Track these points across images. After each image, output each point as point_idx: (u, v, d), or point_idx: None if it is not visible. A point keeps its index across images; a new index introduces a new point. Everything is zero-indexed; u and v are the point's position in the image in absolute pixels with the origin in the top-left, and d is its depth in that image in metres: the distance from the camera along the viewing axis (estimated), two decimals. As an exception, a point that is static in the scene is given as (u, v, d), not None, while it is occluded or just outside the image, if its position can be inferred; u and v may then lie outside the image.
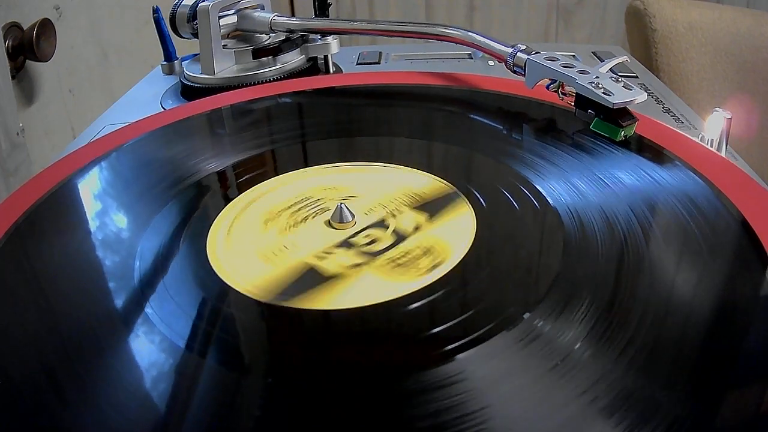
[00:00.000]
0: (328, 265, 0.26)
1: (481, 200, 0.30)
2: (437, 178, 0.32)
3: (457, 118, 0.40)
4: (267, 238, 0.28)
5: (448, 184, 0.32)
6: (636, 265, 0.25)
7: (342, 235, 0.28)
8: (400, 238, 0.28)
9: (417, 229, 0.28)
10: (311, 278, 0.26)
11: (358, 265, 0.26)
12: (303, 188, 0.32)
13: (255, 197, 0.32)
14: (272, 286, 0.25)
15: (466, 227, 0.28)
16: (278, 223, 0.29)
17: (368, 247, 0.27)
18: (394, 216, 0.30)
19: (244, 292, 0.25)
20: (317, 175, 0.33)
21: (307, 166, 0.35)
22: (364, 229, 0.29)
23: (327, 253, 0.27)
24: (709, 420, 0.19)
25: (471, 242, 0.27)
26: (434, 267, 0.26)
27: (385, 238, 0.28)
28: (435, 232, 0.28)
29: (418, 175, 0.33)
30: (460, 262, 0.26)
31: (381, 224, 0.29)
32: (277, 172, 0.34)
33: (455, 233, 0.28)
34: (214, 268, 0.27)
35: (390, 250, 0.27)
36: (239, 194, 0.32)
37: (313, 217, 0.30)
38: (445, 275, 0.25)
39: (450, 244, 0.27)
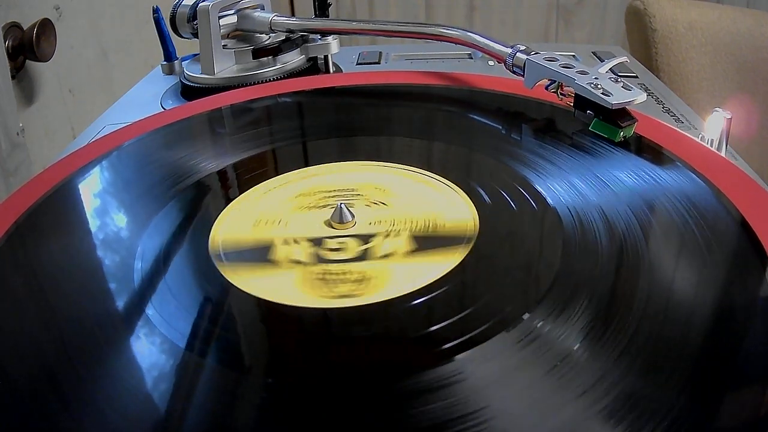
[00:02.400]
0: (281, 252, 0.27)
1: (481, 200, 0.30)
2: (470, 215, 0.29)
3: (458, 118, 0.40)
4: (277, 207, 0.29)
5: (475, 221, 0.29)
6: (636, 265, 0.25)
7: (323, 232, 0.28)
8: (360, 257, 0.27)
9: (386, 256, 0.27)
10: (260, 254, 0.27)
11: (297, 262, 0.27)
12: (351, 179, 0.33)
13: (256, 197, 0.32)
14: (232, 244, 0.27)
15: (464, 214, 0.29)
16: (305, 201, 0.31)
17: (327, 252, 0.27)
18: (388, 236, 0.28)
19: (278, 301, 0.25)
20: (363, 171, 0.34)
21: (307, 165, 0.35)
22: (348, 236, 0.28)
23: (295, 241, 0.28)
24: (709, 420, 0.19)
25: (474, 232, 0.28)
26: (345, 296, 0.25)
27: (351, 252, 0.27)
28: (398, 266, 0.26)
29: (456, 203, 0.30)
30: (473, 244, 0.27)
31: (366, 239, 0.28)
32: (277, 172, 0.34)
33: (457, 219, 0.29)
34: (216, 267, 0.27)
35: (335, 264, 0.27)
36: (239, 194, 0.32)
37: (320, 209, 0.30)
38: (444, 273, 0.25)
39: (389, 281, 0.25)
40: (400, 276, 0.25)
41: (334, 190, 0.32)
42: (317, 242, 0.28)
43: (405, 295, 0.24)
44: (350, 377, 0.21)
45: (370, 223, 0.29)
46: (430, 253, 0.27)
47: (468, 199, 0.30)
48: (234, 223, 0.30)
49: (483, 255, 0.27)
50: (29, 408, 0.21)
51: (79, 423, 0.20)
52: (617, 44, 0.75)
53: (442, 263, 0.26)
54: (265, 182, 0.33)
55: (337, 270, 0.26)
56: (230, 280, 0.26)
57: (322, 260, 0.27)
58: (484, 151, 0.35)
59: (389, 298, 0.24)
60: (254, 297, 0.25)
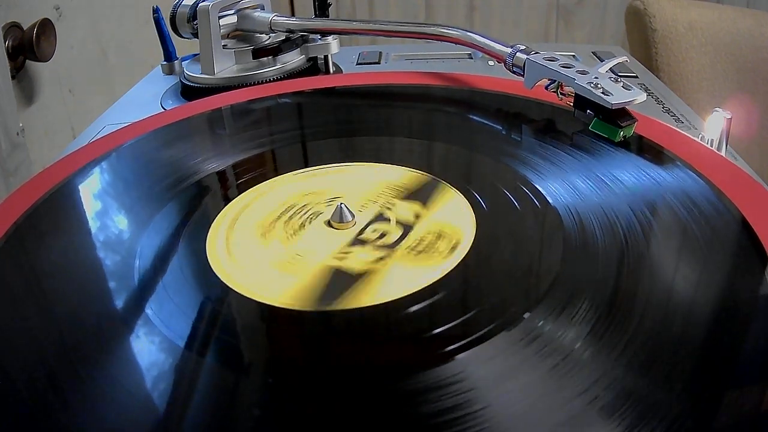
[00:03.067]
0: (352, 264, 0.26)
1: (481, 200, 0.30)
2: (410, 168, 0.33)
3: (457, 118, 0.40)
4: (274, 249, 0.28)
5: (423, 173, 0.33)
6: (636, 265, 0.25)
7: (349, 234, 0.28)
8: (407, 228, 0.28)
9: (418, 216, 0.29)
10: (342, 279, 0.26)
11: (381, 258, 0.26)
12: (282, 197, 0.32)
13: (248, 202, 0.32)
14: (308, 295, 0.25)
15: (463, 211, 0.29)
16: (277, 234, 0.29)
17: (381, 240, 0.28)
18: (389, 209, 0.30)
19: (281, 305, 0.24)
20: (290, 183, 0.33)
21: (306, 165, 0.35)
22: (367, 225, 0.29)
23: (344, 253, 0.27)
24: (709, 420, 0.19)
25: (474, 229, 0.28)
26: (453, 248, 0.27)
27: (393, 230, 0.28)
28: (437, 217, 0.29)
29: (393, 169, 0.33)
30: (473, 243, 0.27)
31: (381, 218, 0.29)
32: (277, 172, 0.34)
33: (455, 216, 0.29)
34: (213, 268, 0.27)
35: (404, 240, 0.28)
36: (239, 195, 0.32)
37: (309, 222, 0.30)
38: (465, 256, 0.26)
39: (456, 225, 0.28)
40: (400, 276, 0.25)
41: (334, 190, 0.32)
42: (360, 242, 0.28)
43: (405, 295, 0.24)
44: (350, 377, 0.21)
45: (370, 224, 0.29)
46: (431, 253, 0.27)
47: (468, 198, 0.30)
48: (235, 224, 0.30)
49: (483, 255, 0.27)
50: (29, 408, 0.21)
51: (78, 422, 0.20)
52: (617, 44, 0.75)
53: (443, 263, 0.26)
54: (265, 182, 0.33)
55: (414, 242, 0.27)
56: (228, 282, 0.26)
57: (392, 245, 0.27)
58: (485, 151, 0.35)
59: (389, 298, 0.24)
60: (253, 299, 0.25)
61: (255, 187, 0.33)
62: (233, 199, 0.32)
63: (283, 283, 0.26)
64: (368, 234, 0.28)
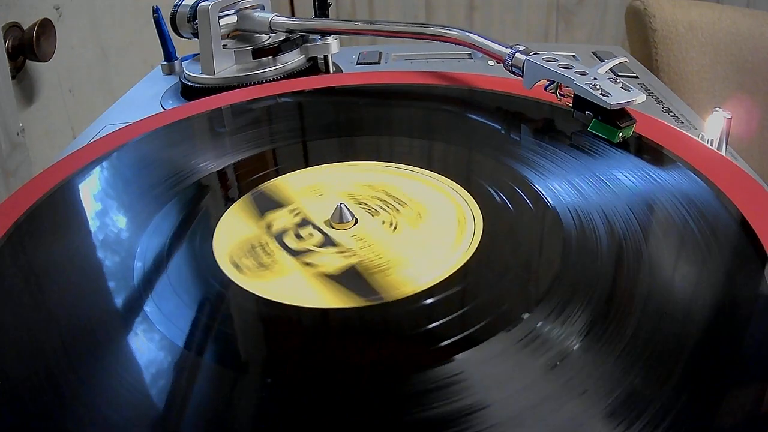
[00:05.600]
0: (284, 254, 0.27)
1: (481, 200, 0.30)
2: (409, 167, 0.33)
3: (457, 117, 0.40)
4: (284, 248, 0.28)
5: (475, 221, 0.29)
6: (636, 265, 0.25)
7: (348, 233, 0.28)
8: (359, 258, 0.27)
9: (386, 257, 0.27)
10: (355, 275, 0.26)
11: (302, 263, 0.26)
12: (350, 179, 0.32)
13: (251, 201, 0.32)
14: (334, 297, 0.25)
15: (463, 210, 0.29)
16: (305, 201, 0.30)
17: (331, 254, 0.27)
18: (388, 236, 0.28)
19: (312, 306, 0.24)
20: (290, 182, 0.33)
21: (307, 165, 0.35)
22: (348, 238, 0.28)
23: (347, 250, 0.27)
24: (709, 420, 0.19)
25: (474, 228, 0.28)
26: (459, 244, 0.26)
27: (352, 252, 0.27)
28: (397, 266, 0.27)
29: (457, 202, 0.31)
30: (380, 302, 0.25)
31: (365, 240, 0.28)
32: (277, 172, 0.34)
33: (455, 215, 0.29)
34: (219, 266, 0.27)
35: (406, 235, 0.28)
36: (239, 195, 0.32)
37: (309, 222, 0.30)
38: (444, 273, 0.25)
39: (389, 281, 0.26)
40: (400, 276, 0.25)
41: (334, 190, 0.32)
42: (322, 245, 0.28)
43: (405, 295, 0.24)
44: (350, 377, 0.21)
45: (370, 224, 0.29)
46: (431, 253, 0.27)
47: (468, 198, 0.30)
48: (235, 224, 0.30)
49: (483, 255, 0.27)
50: (29, 407, 0.21)
51: (78, 422, 0.20)
52: (617, 44, 0.75)
53: (443, 263, 0.26)
54: (264, 182, 0.33)
55: (338, 269, 0.26)
56: (232, 280, 0.26)
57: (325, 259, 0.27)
58: (484, 151, 0.35)
59: (389, 297, 0.24)
60: (255, 297, 0.25)
61: (264, 182, 0.33)
62: (233, 198, 0.32)
63: (279, 279, 0.26)
64: (370, 230, 0.28)
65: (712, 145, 0.34)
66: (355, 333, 0.24)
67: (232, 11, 0.50)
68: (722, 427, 0.19)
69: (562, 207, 0.29)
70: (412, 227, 0.29)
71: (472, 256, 0.26)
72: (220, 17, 0.48)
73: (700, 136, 0.34)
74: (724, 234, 0.27)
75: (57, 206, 0.32)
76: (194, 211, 0.31)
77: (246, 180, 0.34)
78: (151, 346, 0.23)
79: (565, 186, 0.30)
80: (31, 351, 0.23)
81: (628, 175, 0.31)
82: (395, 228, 0.29)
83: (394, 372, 0.21)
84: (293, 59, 0.50)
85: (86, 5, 0.77)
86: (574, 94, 0.35)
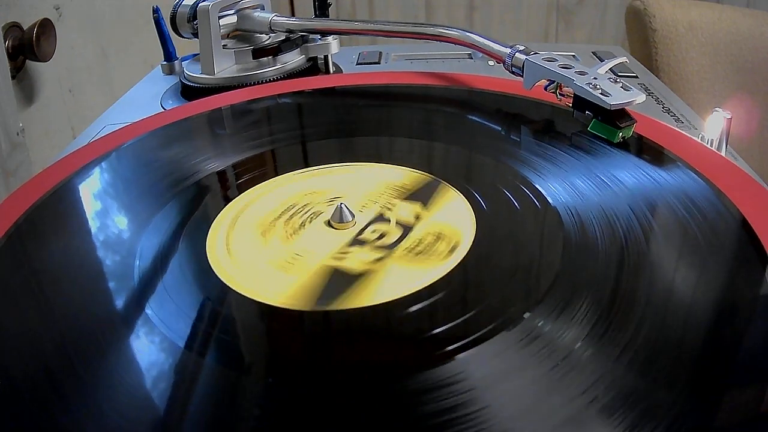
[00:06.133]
0: (351, 264, 0.26)
1: (481, 200, 0.30)
2: (411, 169, 0.33)
3: (457, 118, 0.40)
4: (274, 249, 0.28)
5: (424, 173, 0.33)
6: (636, 265, 0.25)
7: (348, 234, 0.28)
8: (406, 228, 0.28)
9: (418, 218, 0.29)
10: (340, 279, 0.26)
11: (379, 259, 0.26)
12: (283, 197, 0.32)
13: (248, 202, 0.32)
14: (306, 294, 0.25)
15: (463, 212, 0.29)
16: (277, 233, 0.29)
17: (380, 241, 0.28)
18: (389, 209, 0.30)
19: (278, 305, 0.25)
20: (291, 182, 0.33)
21: (306, 165, 0.35)
22: (367, 226, 0.29)
23: (343, 253, 0.27)
24: (709, 420, 0.19)
25: (474, 230, 0.28)
26: (452, 250, 0.26)
27: (392, 230, 0.28)
28: (436, 218, 0.29)
29: (392, 169, 0.33)
30: (473, 243, 0.27)
31: (381, 219, 0.29)
32: (277, 172, 0.34)
33: (455, 218, 0.29)
34: (213, 268, 0.27)
35: (403, 241, 0.27)
36: (239, 195, 0.32)
37: (310, 222, 0.30)
38: (444, 273, 0.25)
39: (456, 227, 0.28)
40: (399, 277, 0.25)
41: (335, 190, 0.32)
42: (360, 242, 0.28)
43: (405, 295, 0.24)
44: (350, 377, 0.21)
45: (360, 211, 0.29)
46: (429, 255, 0.27)
47: (468, 198, 0.30)
48: (235, 223, 0.30)
49: (483, 255, 0.27)
50: (29, 408, 0.21)
51: (78, 422, 0.20)
52: (617, 44, 0.75)
53: (441, 264, 0.26)
54: (264, 182, 0.33)
55: (412, 244, 0.27)
56: (228, 281, 0.26)
57: (391, 246, 0.27)
58: (484, 151, 0.35)
59: (389, 298, 0.24)
60: (253, 299, 0.25)
61: (255, 186, 0.33)
62: (233, 198, 0.32)
63: (281, 282, 0.26)
64: (367, 234, 0.28)
65: (712, 145, 0.34)
66: (355, 333, 0.24)
67: (232, 11, 0.50)
68: (722, 427, 0.19)
69: (562, 207, 0.29)
70: (413, 218, 0.29)
71: (472, 255, 0.26)
72: (220, 17, 0.48)
73: (700, 136, 0.34)
74: (724, 234, 0.27)
75: (57, 206, 0.32)
76: (194, 212, 0.31)
77: (245, 180, 0.34)
78: (151, 346, 0.23)
79: (565, 186, 0.30)
80: (31, 351, 0.23)
81: (628, 176, 0.31)
82: (396, 221, 0.29)
83: (394, 372, 0.21)
84: (293, 59, 0.50)
85: (86, 5, 0.77)
86: (574, 94, 0.35)
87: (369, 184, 0.32)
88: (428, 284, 0.25)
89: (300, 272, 0.26)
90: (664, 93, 0.47)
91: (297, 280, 0.26)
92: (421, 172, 0.33)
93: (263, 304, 0.25)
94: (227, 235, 0.29)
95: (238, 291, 0.25)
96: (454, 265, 0.26)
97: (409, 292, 0.24)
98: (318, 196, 0.32)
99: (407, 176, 0.33)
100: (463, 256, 0.26)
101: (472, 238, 0.27)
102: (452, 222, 0.29)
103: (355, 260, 0.26)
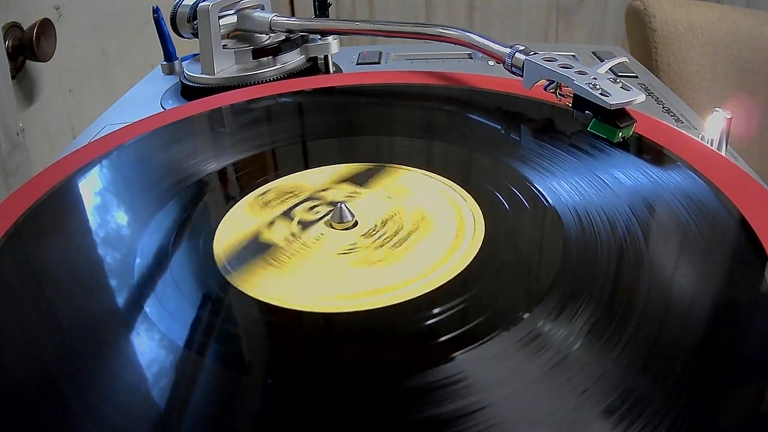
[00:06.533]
0: (285, 253, 0.26)
1: (481, 200, 0.30)
2: (471, 215, 0.29)
3: (457, 117, 0.40)
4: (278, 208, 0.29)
5: (475, 221, 0.29)
6: (636, 265, 0.25)
7: (324, 235, 0.28)
8: (361, 258, 0.27)
9: (386, 257, 0.27)
10: (264, 254, 0.26)
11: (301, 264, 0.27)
12: (290, 192, 0.32)
13: (251, 200, 0.32)
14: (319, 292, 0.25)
15: (463, 211, 0.29)
16: (305, 202, 0.30)
17: (332, 253, 0.27)
18: (387, 236, 0.28)
19: (272, 303, 0.25)
20: (297, 180, 0.33)
21: (306, 166, 0.35)
22: (348, 238, 0.29)
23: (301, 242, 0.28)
24: (709, 420, 0.19)
25: (474, 229, 0.28)
26: (453, 250, 0.26)
27: (355, 254, 0.28)
28: (398, 266, 0.26)
29: (457, 202, 0.30)
30: (380, 302, 0.25)
31: (365, 240, 0.28)
32: (277, 172, 0.34)
33: (454, 215, 0.28)
34: (217, 267, 0.27)
35: (397, 236, 0.27)
36: (239, 195, 0.32)
37: (312, 220, 0.30)
38: (444, 273, 0.25)
39: (389, 281, 0.26)
40: (400, 276, 0.25)
41: (319, 194, 0.32)
42: (321, 244, 0.28)
43: (405, 295, 0.24)
44: (350, 377, 0.21)
45: (370, 224, 0.29)
46: (431, 253, 0.27)
47: (468, 198, 0.30)
48: (235, 226, 0.30)
49: (483, 255, 0.27)
50: (29, 407, 0.21)
51: (78, 421, 0.20)
52: (617, 44, 0.75)
53: (443, 263, 0.26)
54: (265, 182, 0.33)
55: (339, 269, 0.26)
56: (231, 282, 0.26)
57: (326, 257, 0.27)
58: (484, 150, 0.35)
59: (389, 298, 0.24)
60: (255, 299, 0.25)
61: (265, 182, 0.33)
62: (233, 198, 0.32)
63: (280, 279, 0.26)
64: (370, 230, 0.28)
65: (712, 145, 0.34)
66: (355, 333, 0.24)
67: (232, 11, 0.50)
68: (722, 427, 0.19)
69: (562, 207, 0.29)
70: (412, 227, 0.29)
71: (472, 256, 0.26)
72: (220, 17, 0.48)
73: (700, 136, 0.34)
74: (724, 234, 0.27)
75: (57, 206, 0.32)
76: (194, 211, 0.31)
77: (246, 179, 0.34)
78: (151, 345, 0.23)
79: (565, 186, 0.30)
80: (31, 351, 0.23)
81: (628, 176, 0.31)
82: (395, 228, 0.29)
83: (394, 372, 0.21)
84: (293, 59, 0.50)
85: (86, 5, 0.77)
86: (574, 94, 0.35)
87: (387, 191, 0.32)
88: (428, 283, 0.25)
89: (304, 268, 0.26)
90: (664, 93, 0.47)
91: (296, 276, 0.26)
92: (420, 170, 0.33)
93: (264, 303, 0.25)
94: (230, 226, 0.29)
95: (238, 292, 0.25)
96: (455, 264, 0.26)
97: (409, 292, 0.24)
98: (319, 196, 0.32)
99: (405, 175, 0.33)
100: (464, 256, 0.26)
101: (473, 237, 0.27)
102: (454, 223, 0.29)
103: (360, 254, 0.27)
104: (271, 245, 0.28)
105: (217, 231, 0.29)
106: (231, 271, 0.26)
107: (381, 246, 0.27)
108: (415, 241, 0.28)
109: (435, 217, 0.29)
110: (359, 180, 0.32)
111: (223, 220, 0.30)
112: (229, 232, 0.29)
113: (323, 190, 0.32)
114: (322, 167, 0.34)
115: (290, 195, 0.32)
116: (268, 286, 0.25)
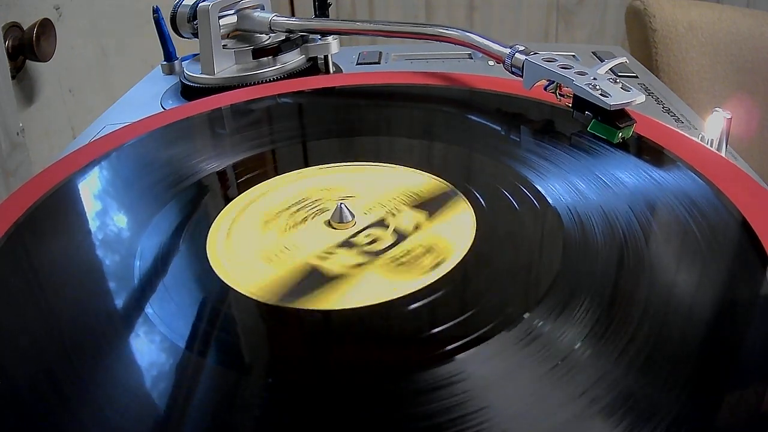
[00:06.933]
0: (331, 265, 0.26)
1: (481, 200, 0.30)
2: (435, 176, 0.32)
3: (457, 118, 0.40)
4: (267, 240, 0.28)
5: (446, 182, 0.32)
6: (636, 265, 0.25)
7: (342, 235, 0.28)
8: (400, 237, 0.28)
9: (417, 228, 0.28)
10: (314, 279, 0.26)
11: (360, 264, 0.26)
12: (301, 189, 0.32)
13: (254, 198, 0.32)
14: (275, 287, 0.25)
15: (466, 226, 0.28)
16: (278, 224, 0.29)
17: (369, 246, 0.27)
18: (393, 215, 0.29)
19: (247, 294, 0.25)
20: (315, 176, 0.34)
21: (307, 166, 0.35)
22: (364, 229, 0.29)
23: (328, 253, 0.27)
24: (709, 420, 0.19)
25: (471, 241, 0.27)
26: (436, 265, 0.26)
27: (386, 237, 0.28)
28: (435, 230, 0.28)
29: (416, 175, 0.33)
30: (461, 260, 0.26)
31: (381, 224, 0.29)
32: (277, 172, 0.34)
33: (456, 231, 0.28)
34: (214, 268, 0.27)
35: (391, 249, 0.27)
36: (239, 194, 0.32)
37: (313, 217, 0.30)
38: (446, 274, 0.25)
39: (451, 242, 0.27)
40: (447, 239, 0.25)
41: (333, 191, 0.32)
42: (349, 244, 0.28)
43: (405, 295, 0.24)
44: (350, 377, 0.21)
45: (365, 213, 0.29)
46: (444, 211, 0.27)
47: (468, 198, 0.30)
48: (242, 268, 0.29)
49: (483, 255, 0.27)
50: (29, 407, 0.21)
51: (78, 422, 0.20)
52: (617, 44, 0.75)
53: (443, 263, 0.26)
54: (265, 183, 0.33)
55: (400, 253, 0.27)
56: (228, 281, 0.26)
57: (377, 253, 0.27)
58: (484, 151, 0.35)
59: (389, 298, 0.24)
60: (253, 299, 0.25)
61: (264, 182, 0.33)
62: (233, 198, 0.32)
63: (260, 272, 0.26)
64: (359, 238, 0.28)
65: (712, 145, 0.34)
66: (354, 333, 0.24)
67: (232, 11, 0.50)
68: (722, 427, 0.19)
69: (562, 207, 0.29)
70: (412, 227, 0.29)
71: (472, 255, 0.26)
72: (220, 17, 0.48)
73: (700, 136, 0.34)
74: (724, 234, 0.27)
75: (57, 206, 0.32)
76: (194, 211, 0.31)
77: (246, 179, 0.34)
78: (151, 346, 0.23)
79: (565, 186, 0.30)
80: (31, 351, 0.23)
81: (628, 176, 0.31)
82: (394, 228, 0.29)
83: (394, 372, 0.21)
84: (293, 59, 0.50)
85: (86, 5, 0.77)
86: (574, 95, 0.35)
87: (385, 187, 0.32)
88: (428, 283, 0.25)
89: (280, 266, 0.26)
90: (664, 93, 0.47)
91: (275, 272, 0.26)
92: (441, 180, 0.32)
93: (235, 291, 0.25)
94: (230, 226, 0.29)
95: (236, 292, 0.25)
96: (429, 282, 0.25)
97: (409, 292, 0.24)
98: (332, 193, 0.32)
99: (426, 183, 0.32)
100: (443, 273, 0.25)
101: (464, 254, 0.27)
102: (449, 235, 0.28)
103: (337, 262, 0.26)
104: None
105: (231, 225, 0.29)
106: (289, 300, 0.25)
107: (368, 251, 0.27)
108: (403, 250, 0.27)
109: (435, 216, 0.29)
110: (431, 207, 0.30)
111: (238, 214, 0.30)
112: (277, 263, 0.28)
113: (388, 212, 0.30)
114: (392, 165, 0.34)
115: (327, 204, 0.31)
116: (270, 286, 0.25)
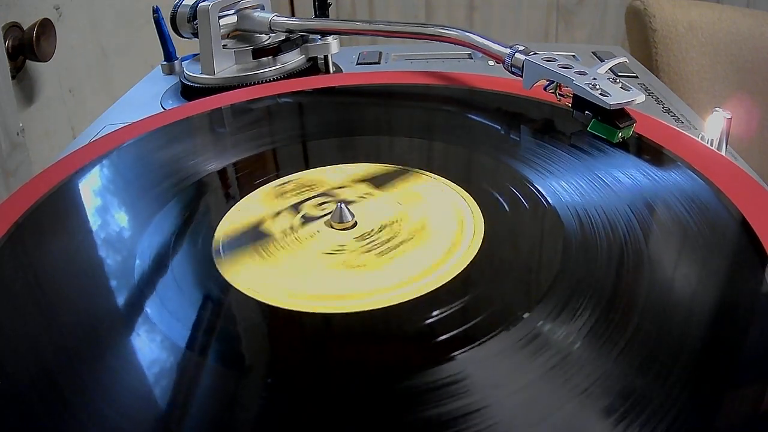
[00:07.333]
0: (332, 264, 0.26)
1: (481, 200, 0.30)
2: (470, 215, 0.29)
3: (457, 117, 0.40)
4: (268, 239, 0.28)
5: (475, 221, 0.29)
6: (636, 265, 0.25)
7: (343, 234, 0.28)
8: (400, 237, 0.28)
9: (386, 256, 0.27)
10: (315, 278, 0.26)
11: (360, 264, 0.26)
12: (301, 189, 0.32)
13: (254, 198, 0.32)
14: (276, 287, 0.25)
15: (463, 211, 0.29)
16: (278, 224, 0.29)
17: (370, 245, 0.28)
18: (387, 236, 0.28)
19: (248, 294, 0.25)
20: (317, 176, 0.33)
21: (307, 165, 0.35)
22: (368, 231, 0.29)
23: (329, 253, 0.27)
24: (709, 420, 0.19)
25: (474, 229, 0.28)
26: (436, 266, 0.26)
27: (386, 237, 0.28)
28: (435, 230, 0.28)
29: (457, 202, 0.30)
30: (461, 260, 0.26)
31: (366, 239, 0.28)
32: (277, 172, 0.34)
33: (454, 215, 0.28)
34: (214, 268, 0.27)
35: (392, 251, 0.27)
36: (239, 194, 0.32)
37: (315, 217, 0.30)
38: (445, 274, 0.25)
39: (451, 243, 0.27)
40: (400, 276, 0.25)
41: (333, 191, 0.32)
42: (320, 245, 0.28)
43: (405, 295, 0.24)
44: (350, 377, 0.21)
45: (370, 224, 0.29)
46: (431, 253, 0.27)
47: (468, 198, 0.30)
48: (245, 212, 0.30)
49: (483, 254, 0.27)
50: (29, 407, 0.21)
51: (78, 422, 0.20)
52: (617, 44, 0.75)
53: (443, 263, 0.26)
54: (265, 182, 0.33)
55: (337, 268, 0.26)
56: (230, 281, 0.26)
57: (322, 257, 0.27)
58: (484, 151, 0.35)
59: (389, 298, 0.24)
60: (255, 299, 0.25)
61: (263, 182, 0.33)
62: (233, 198, 0.32)
63: (261, 273, 0.26)
64: (362, 238, 0.28)
65: (712, 145, 0.34)
66: (355, 333, 0.24)
67: (232, 11, 0.50)
68: (722, 427, 0.19)
69: (562, 207, 0.29)
70: (407, 237, 0.29)
71: (472, 256, 0.26)
72: (220, 17, 0.48)
73: (700, 136, 0.34)
74: (724, 234, 0.27)
75: (57, 206, 0.32)
76: (194, 211, 0.31)
77: (246, 179, 0.34)
78: (151, 345, 0.23)
79: (565, 186, 0.30)
80: (32, 351, 0.23)
81: (628, 175, 0.31)
82: (395, 228, 0.29)
83: (394, 372, 0.21)
84: (293, 59, 0.50)
85: (86, 5, 0.77)
86: (574, 94, 0.35)
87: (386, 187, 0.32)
88: (431, 289, 0.25)
89: (281, 265, 0.27)
90: (664, 93, 0.47)
91: (275, 272, 0.26)
92: (420, 170, 0.33)
93: (236, 290, 0.25)
94: (230, 226, 0.29)
95: (238, 292, 0.25)
96: (433, 280, 0.25)
97: (408, 292, 0.24)
98: (338, 193, 0.32)
99: (426, 183, 0.33)
100: (444, 272, 0.26)
101: (473, 237, 0.27)
102: (454, 223, 0.29)
103: (338, 261, 0.27)
104: (267, 235, 0.28)
105: (224, 218, 0.30)
106: (222, 256, 0.27)
107: (368, 251, 0.27)
108: (402, 251, 0.27)
109: (434, 228, 0.29)
110: (378, 182, 0.32)
111: (235, 206, 0.31)
112: (238, 218, 0.30)
113: (339, 188, 0.32)
114: (354, 164, 0.34)
115: (307, 188, 0.32)
116: (248, 275, 0.26)
